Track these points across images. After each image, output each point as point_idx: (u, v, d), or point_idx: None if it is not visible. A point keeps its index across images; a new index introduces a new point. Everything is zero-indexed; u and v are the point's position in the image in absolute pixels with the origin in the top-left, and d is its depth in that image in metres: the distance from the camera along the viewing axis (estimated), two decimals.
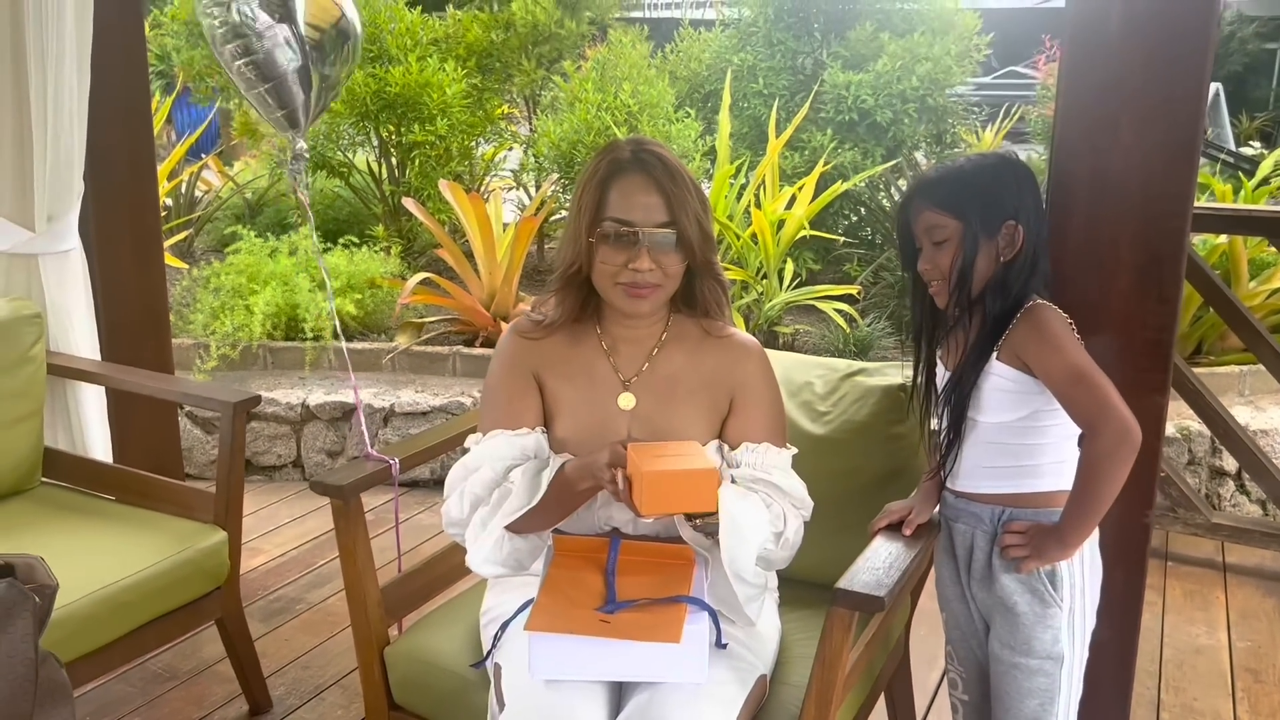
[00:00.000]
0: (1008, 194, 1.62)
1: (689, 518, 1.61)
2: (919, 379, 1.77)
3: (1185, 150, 1.76)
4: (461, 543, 1.71)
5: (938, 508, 1.76)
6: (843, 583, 1.50)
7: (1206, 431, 3.39)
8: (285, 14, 2.22)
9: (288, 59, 2.23)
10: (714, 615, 1.59)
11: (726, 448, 1.74)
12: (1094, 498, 1.56)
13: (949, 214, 1.61)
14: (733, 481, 1.67)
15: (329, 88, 2.34)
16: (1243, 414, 3.66)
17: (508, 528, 1.63)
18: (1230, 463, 3.57)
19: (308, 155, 2.38)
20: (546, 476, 1.62)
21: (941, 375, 1.73)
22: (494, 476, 1.68)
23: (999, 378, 1.61)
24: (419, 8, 5.64)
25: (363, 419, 2.66)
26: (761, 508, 1.63)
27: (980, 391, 1.63)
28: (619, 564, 1.64)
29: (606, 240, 1.64)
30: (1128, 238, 1.82)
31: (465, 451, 1.75)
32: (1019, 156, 1.68)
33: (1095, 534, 1.68)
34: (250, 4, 2.18)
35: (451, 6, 5.99)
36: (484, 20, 5.55)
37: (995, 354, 1.62)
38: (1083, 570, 1.65)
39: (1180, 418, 3.55)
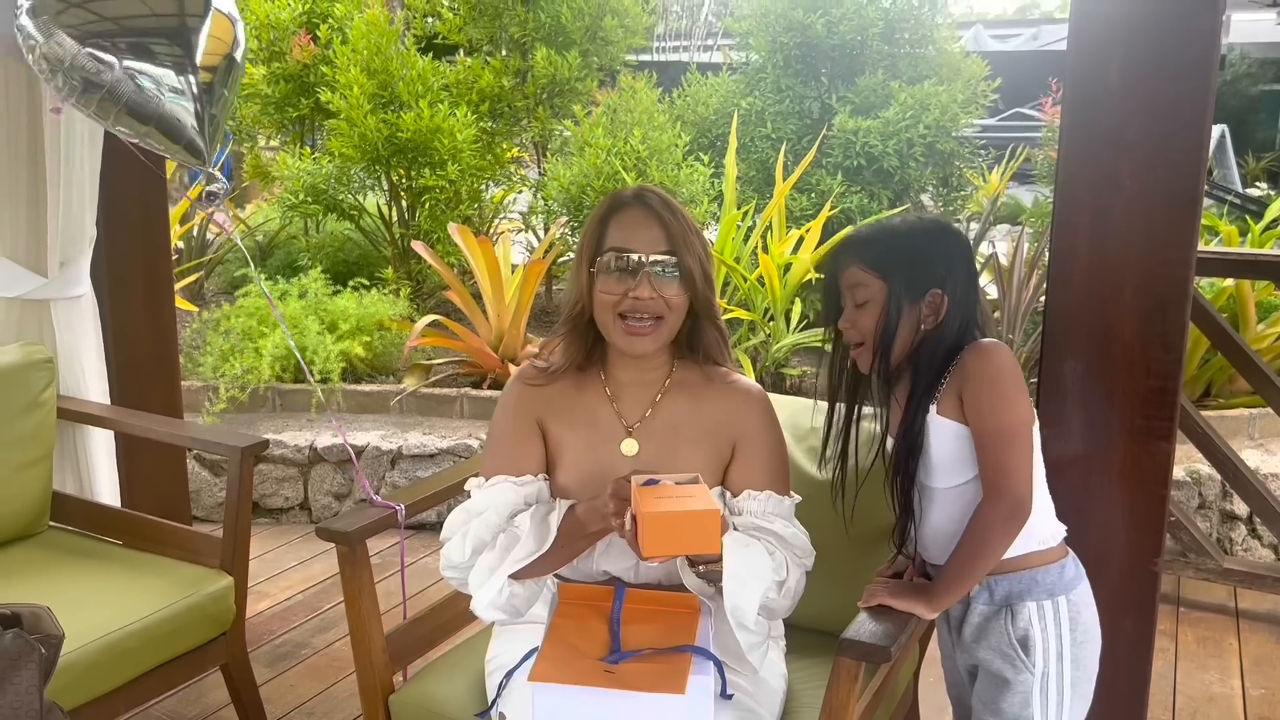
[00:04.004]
0: (938, 261, 1.58)
1: (692, 563, 1.61)
2: (831, 431, 1.73)
3: (1187, 200, 1.77)
4: (459, 587, 1.71)
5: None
6: (849, 632, 1.49)
7: (1216, 475, 3.37)
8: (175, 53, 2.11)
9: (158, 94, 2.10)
10: (719, 665, 1.58)
11: (729, 495, 1.74)
12: (975, 562, 1.53)
13: (874, 273, 1.58)
14: (734, 529, 1.67)
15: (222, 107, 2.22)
16: (1252, 457, 3.64)
17: (511, 575, 1.62)
18: (1241, 507, 3.54)
19: (224, 185, 2.24)
20: (555, 520, 1.62)
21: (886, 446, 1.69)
22: (498, 522, 1.68)
23: (944, 435, 1.57)
24: (430, 54, 5.71)
25: (358, 465, 2.67)
26: (765, 555, 1.62)
27: (927, 455, 1.60)
28: (624, 613, 1.63)
29: (607, 270, 1.65)
30: (1131, 286, 1.83)
31: (466, 495, 1.75)
32: (956, 226, 1.65)
33: (1082, 594, 1.64)
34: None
35: (462, 53, 6.06)
36: (496, 67, 5.61)
37: (934, 408, 1.58)
38: (1059, 635, 1.60)
39: (1190, 461, 3.53)
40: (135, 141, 2.16)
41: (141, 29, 2.10)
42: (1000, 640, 1.60)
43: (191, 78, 2.11)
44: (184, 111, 2.12)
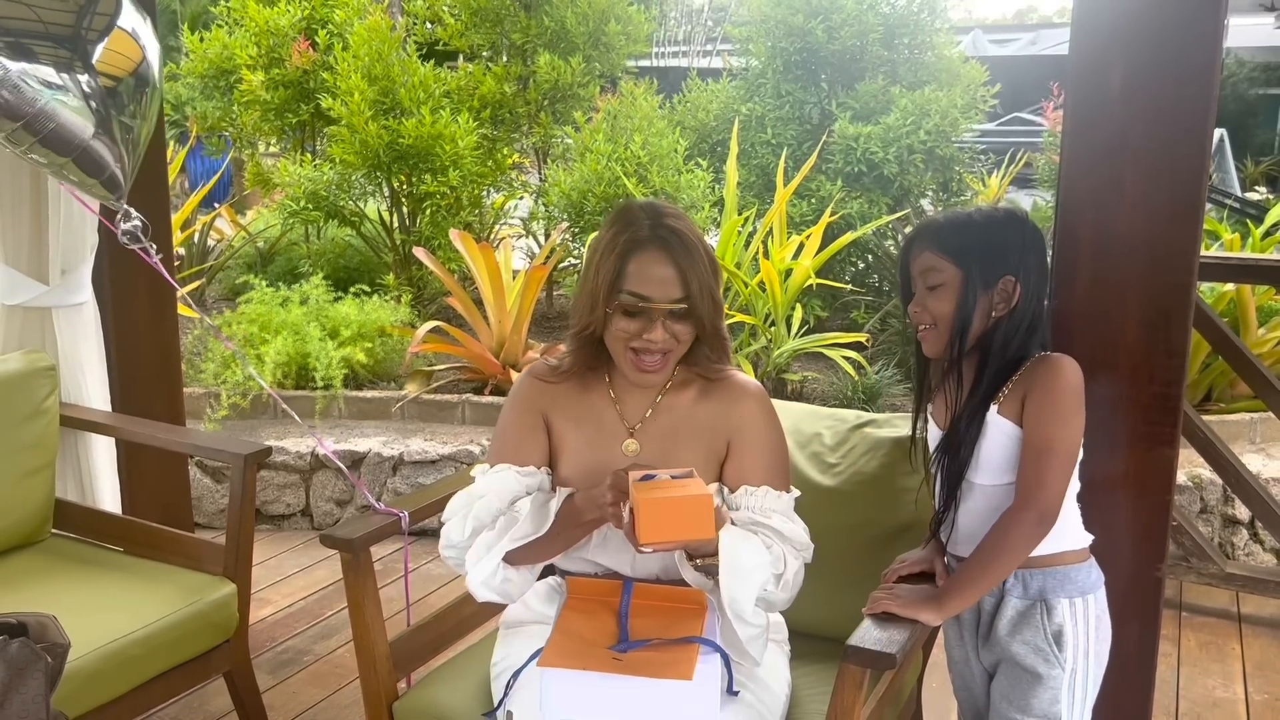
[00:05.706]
0: (1011, 250, 1.61)
1: (689, 556, 1.62)
2: (918, 426, 1.76)
3: (1190, 206, 1.78)
4: (455, 567, 1.74)
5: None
6: (854, 639, 1.49)
7: (1218, 479, 3.37)
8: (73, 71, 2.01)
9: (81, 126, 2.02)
10: (726, 658, 1.59)
11: (726, 490, 1.76)
12: (991, 566, 1.56)
13: (949, 259, 1.60)
14: (732, 524, 1.68)
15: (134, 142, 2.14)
16: (1254, 462, 3.64)
17: (506, 558, 1.65)
18: (1243, 511, 3.54)
19: (140, 222, 2.19)
20: (554, 506, 1.65)
21: (933, 434, 1.71)
22: (499, 505, 1.71)
23: (1000, 434, 1.60)
24: (431, 60, 5.72)
25: (351, 476, 2.68)
26: (762, 549, 1.63)
27: (979, 451, 1.61)
28: (632, 607, 1.65)
29: (623, 312, 1.68)
30: (1134, 293, 1.83)
31: (470, 481, 1.78)
32: (1029, 217, 1.67)
33: (1103, 596, 1.66)
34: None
35: (462, 59, 6.07)
36: (498, 73, 5.62)
37: (995, 408, 1.60)
38: (1088, 632, 1.63)
39: (1191, 465, 3.53)
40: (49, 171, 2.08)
41: (30, 31, 1.97)
42: (1036, 635, 1.62)
43: (93, 85, 2.03)
44: (104, 147, 2.05)
